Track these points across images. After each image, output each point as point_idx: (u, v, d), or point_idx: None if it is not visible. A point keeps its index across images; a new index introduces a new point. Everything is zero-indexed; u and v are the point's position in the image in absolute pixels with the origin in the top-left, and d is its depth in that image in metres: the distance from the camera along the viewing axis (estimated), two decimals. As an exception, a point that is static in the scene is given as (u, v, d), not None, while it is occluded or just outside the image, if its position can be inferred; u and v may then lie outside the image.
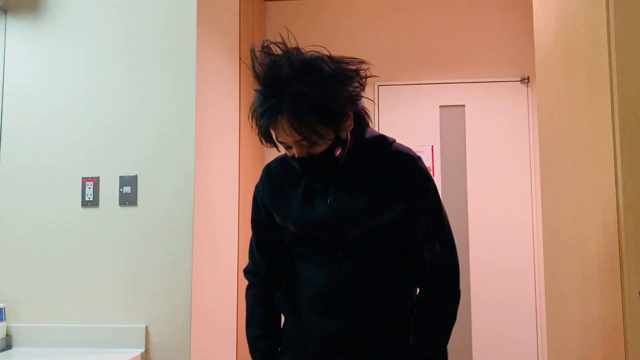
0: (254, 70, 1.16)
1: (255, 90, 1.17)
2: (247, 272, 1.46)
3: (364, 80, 1.19)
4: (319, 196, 1.28)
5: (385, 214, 1.25)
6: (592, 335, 1.50)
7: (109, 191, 2.08)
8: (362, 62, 1.18)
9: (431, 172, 3.27)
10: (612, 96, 1.29)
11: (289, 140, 1.17)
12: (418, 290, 1.35)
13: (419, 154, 1.34)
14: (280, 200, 1.34)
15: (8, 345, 2.02)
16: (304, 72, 1.12)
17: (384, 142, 1.32)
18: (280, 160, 1.40)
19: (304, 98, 1.11)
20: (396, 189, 1.27)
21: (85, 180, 2.08)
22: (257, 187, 1.42)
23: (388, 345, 1.28)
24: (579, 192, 1.56)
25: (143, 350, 2.01)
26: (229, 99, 2.60)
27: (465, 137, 3.32)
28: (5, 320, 2.03)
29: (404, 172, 1.28)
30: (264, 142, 1.22)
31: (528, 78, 3.28)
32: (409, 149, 1.34)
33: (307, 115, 1.12)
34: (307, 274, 1.31)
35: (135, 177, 2.06)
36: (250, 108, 1.19)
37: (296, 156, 1.21)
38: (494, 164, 3.28)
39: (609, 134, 1.31)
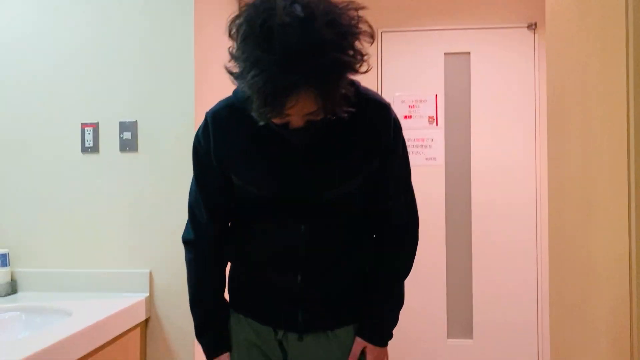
0: (259, 38, 0.96)
1: (262, 60, 0.96)
2: (189, 243, 1.32)
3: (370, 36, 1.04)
4: (290, 158, 1.17)
5: (361, 174, 1.20)
6: (594, 278, 1.52)
7: (109, 137, 2.05)
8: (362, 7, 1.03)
9: (435, 122, 3.24)
10: (627, 42, 1.25)
11: (301, 112, 1.02)
12: (377, 241, 1.31)
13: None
14: (241, 159, 1.20)
15: (14, 289, 2.04)
16: (328, 36, 0.96)
17: (355, 89, 1.17)
18: (229, 108, 1.22)
19: (335, 66, 0.97)
20: (372, 145, 1.19)
21: (84, 125, 2.05)
22: (202, 137, 1.23)
23: (347, 299, 1.27)
24: (586, 142, 1.54)
25: (147, 294, 2.03)
26: (230, 43, 2.53)
27: (470, 85, 3.27)
28: (9, 265, 2.05)
29: (379, 125, 1.19)
30: (266, 118, 1.02)
31: (535, 24, 3.19)
32: (378, 94, 1.24)
33: (335, 84, 1.00)
34: (266, 233, 1.24)
35: (135, 122, 2.03)
36: (253, 84, 0.97)
37: (292, 126, 1.08)
38: (498, 113, 3.23)
39: (622, 82, 1.27)
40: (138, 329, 1.98)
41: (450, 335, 3.23)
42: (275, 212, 1.21)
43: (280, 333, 1.25)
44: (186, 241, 1.33)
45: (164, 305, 2.05)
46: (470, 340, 3.21)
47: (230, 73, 1.04)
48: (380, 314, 1.28)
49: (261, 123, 1.04)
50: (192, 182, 1.31)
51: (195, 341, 2.03)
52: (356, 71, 1.01)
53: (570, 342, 1.72)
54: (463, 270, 3.23)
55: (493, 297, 3.19)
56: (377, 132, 1.19)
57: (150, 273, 2.05)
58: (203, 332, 1.31)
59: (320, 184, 1.18)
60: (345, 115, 1.07)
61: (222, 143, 1.21)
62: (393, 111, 1.22)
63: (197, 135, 1.25)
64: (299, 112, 1.01)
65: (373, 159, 1.20)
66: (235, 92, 1.21)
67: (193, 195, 1.29)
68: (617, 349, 1.38)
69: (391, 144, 1.21)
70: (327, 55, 0.95)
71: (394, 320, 1.29)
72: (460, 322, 3.24)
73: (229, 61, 1.04)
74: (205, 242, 1.29)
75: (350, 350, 1.25)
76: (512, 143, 3.21)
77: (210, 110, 1.25)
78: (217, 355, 1.28)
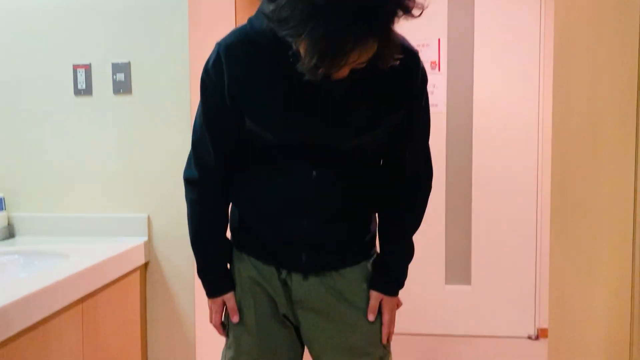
0: None
1: (324, 10, 0.87)
2: (192, 182, 1.24)
3: None
4: (316, 105, 1.10)
5: (385, 123, 1.16)
6: (597, 222, 1.50)
7: (102, 79, 1.99)
8: None
9: (437, 67, 3.16)
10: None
11: (354, 63, 0.94)
12: (391, 192, 1.28)
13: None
14: (258, 102, 1.12)
15: (11, 234, 2.03)
16: None
17: None
18: (245, 41, 1.12)
19: (396, 12, 0.92)
20: (400, 93, 1.15)
21: (76, 67, 1.98)
22: (213, 70, 1.13)
23: (353, 244, 1.25)
24: (593, 90, 1.49)
25: (146, 238, 2.02)
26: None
27: (474, 29, 3.17)
28: (5, 209, 2.03)
29: (408, 73, 1.14)
30: (318, 74, 0.93)
31: (544, -36, 3.07)
32: (407, 40, 1.14)
33: (393, 32, 0.94)
34: (275, 178, 1.19)
35: (128, 63, 1.96)
36: (313, 37, 0.88)
37: (335, 77, 0.99)
38: (502, 59, 3.15)
39: (635, 28, 1.20)
40: (137, 273, 1.98)
41: (448, 281, 3.26)
42: (287, 158, 1.16)
43: (284, 273, 1.23)
44: (189, 180, 1.25)
45: (163, 249, 2.04)
46: (468, 286, 3.24)
47: (270, 19, 0.93)
48: (395, 266, 1.28)
49: (307, 78, 0.94)
50: (197, 118, 1.22)
51: (196, 285, 2.04)
52: (412, 15, 0.94)
53: (569, 295, 1.72)
54: (462, 216, 3.23)
55: (492, 244, 3.20)
56: (405, 80, 1.14)
57: (149, 217, 2.03)
58: (206, 271, 1.28)
59: (343, 133, 1.13)
60: (397, 62, 0.99)
61: (237, 81, 1.11)
62: (421, 59, 1.17)
63: (206, 68, 1.15)
64: (352, 63, 0.94)
65: (399, 108, 1.16)
66: (251, 21, 1.11)
67: (198, 133, 1.21)
68: (619, 303, 1.37)
69: (418, 93, 1.18)
70: (391, 1, 0.89)
71: (406, 270, 1.30)
72: (458, 268, 3.26)
73: (268, 3, 0.93)
74: (210, 183, 1.22)
75: (357, 288, 1.24)
76: (516, 90, 3.14)
77: (222, 41, 1.13)
78: (222, 294, 1.26)
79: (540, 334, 3.17)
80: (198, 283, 2.06)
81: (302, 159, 1.15)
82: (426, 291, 3.22)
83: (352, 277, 1.25)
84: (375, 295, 1.25)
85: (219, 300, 1.27)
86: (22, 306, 1.31)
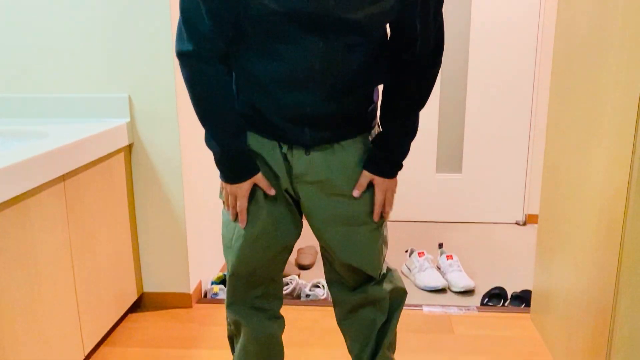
0: None
1: None
2: (187, 55, 1.09)
3: None
4: None
5: None
6: (598, 101, 1.44)
7: (69, -57, 1.81)
8: None
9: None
10: None
11: None
12: (399, 68, 1.19)
13: None
14: None
15: (-13, 115, 1.94)
16: None
17: None
18: None
19: None
20: None
21: None
22: None
23: (355, 117, 1.19)
24: None
25: (128, 119, 1.95)
26: None
27: None
28: (-22, 89, 1.93)
29: None
30: None
31: None
32: None
33: None
34: (277, 51, 1.09)
35: None
36: None
37: None
38: None
39: None
40: (122, 155, 1.92)
41: (439, 169, 3.25)
42: (293, 28, 1.06)
43: (285, 147, 1.18)
44: (183, 54, 1.10)
45: (147, 131, 1.98)
46: (459, 175, 3.24)
47: None
48: (392, 144, 1.22)
49: None
50: None
51: (183, 167, 2.00)
52: None
53: (562, 177, 1.69)
54: (456, 104, 3.16)
55: (484, 132, 3.16)
56: None
57: (130, 97, 1.94)
58: (231, 154, 1.15)
59: (353, 1, 1.03)
60: None
61: None
62: None
63: None
64: None
65: None
66: None
67: (199, 4, 1.05)
68: (615, 180, 1.34)
69: None
70: None
71: (406, 150, 1.24)
72: (450, 156, 3.24)
73: None
74: (208, 55, 1.09)
75: (356, 158, 1.21)
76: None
77: None
78: (252, 175, 1.17)
79: (528, 220, 3.23)
80: (186, 165, 2.03)
81: (309, 29, 1.05)
82: (417, 179, 3.22)
83: (353, 149, 1.20)
84: (365, 174, 1.21)
85: (247, 183, 1.17)
86: (2, 178, 1.27)
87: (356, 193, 1.21)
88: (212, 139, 1.15)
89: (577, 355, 1.58)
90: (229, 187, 1.19)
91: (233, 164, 1.17)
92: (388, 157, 1.22)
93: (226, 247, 1.28)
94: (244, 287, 1.31)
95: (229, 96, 1.14)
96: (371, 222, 1.25)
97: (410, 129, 1.24)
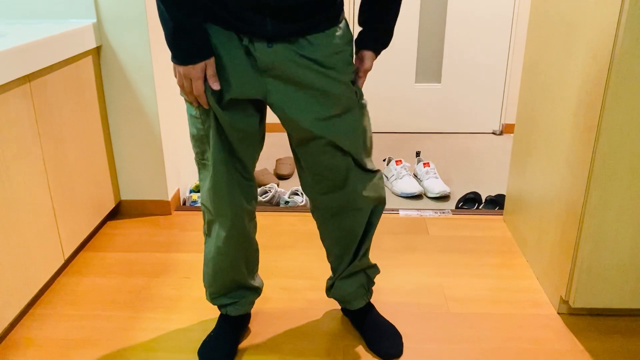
0: None
1: None
2: None
3: None
4: None
5: None
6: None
7: None
8: None
9: None
10: None
11: None
12: None
13: None
14: None
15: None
16: None
17: None
18: None
19: None
20: None
21: None
22: None
23: (322, 11, 1.12)
24: None
25: (95, 20, 1.85)
26: None
27: None
28: None
29: None
30: None
31: None
32: None
33: None
34: None
35: None
36: None
37: None
38: None
39: None
40: (89, 58, 1.84)
41: (418, 79, 3.21)
42: None
43: (246, 40, 1.11)
44: None
45: (115, 32, 1.88)
46: (438, 84, 3.21)
47: None
48: (385, 25, 1.24)
49: None
50: None
51: (155, 71, 1.93)
52: None
53: (538, 92, 1.67)
54: (437, 13, 3.06)
55: (465, 42, 3.09)
56: None
57: (94, -4, 1.83)
58: (184, 31, 1.08)
59: None
60: None
61: None
62: None
63: None
64: None
65: None
66: None
67: None
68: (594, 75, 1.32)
69: None
70: None
71: (393, 30, 1.27)
72: (429, 66, 3.19)
73: None
74: None
75: (329, 57, 1.15)
76: None
77: None
78: (204, 58, 1.09)
79: (505, 130, 3.25)
80: (157, 69, 1.95)
81: None
82: (396, 90, 3.18)
83: (323, 44, 1.14)
84: (369, 55, 1.24)
85: (199, 66, 1.10)
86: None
87: (362, 81, 1.26)
88: (167, 12, 1.06)
89: (546, 250, 1.64)
90: (181, 69, 1.11)
91: (186, 41, 1.08)
92: (382, 37, 1.25)
93: (195, 140, 1.23)
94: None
95: None
96: (356, 105, 1.23)
97: (397, 11, 1.25)
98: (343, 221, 1.35)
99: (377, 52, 1.26)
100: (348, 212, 1.33)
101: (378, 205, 1.36)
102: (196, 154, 1.26)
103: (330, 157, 1.23)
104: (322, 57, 1.14)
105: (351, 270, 1.42)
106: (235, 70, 1.13)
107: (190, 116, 1.21)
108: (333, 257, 1.43)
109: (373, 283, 1.48)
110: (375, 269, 1.47)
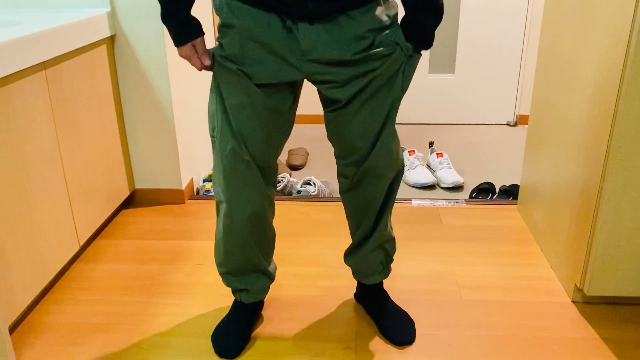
0: None
1: None
2: None
3: None
4: None
5: None
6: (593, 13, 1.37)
7: None
8: None
9: None
10: None
11: None
12: None
13: None
14: None
15: (-41, 6, 1.84)
16: None
17: None
18: None
19: None
20: None
21: None
22: None
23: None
24: None
25: (109, 9, 1.86)
26: None
27: None
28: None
29: None
30: None
31: None
32: None
33: None
34: None
35: None
36: None
37: None
38: None
39: None
40: (104, 47, 1.85)
41: (432, 70, 3.19)
42: None
43: (289, 22, 1.11)
44: None
45: (129, 22, 1.89)
46: (452, 75, 3.19)
47: None
48: (429, 26, 1.21)
49: None
50: None
51: (168, 60, 1.94)
52: None
53: (553, 82, 1.65)
54: (451, 3, 3.04)
55: (479, 33, 3.07)
56: None
57: (108, -15, 1.85)
58: (169, 17, 1.15)
59: None
60: None
61: None
62: None
63: None
64: None
65: None
66: None
67: None
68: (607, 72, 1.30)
69: None
70: None
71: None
72: (443, 57, 3.17)
73: None
74: None
75: (366, 27, 1.14)
76: None
77: None
78: (190, 40, 1.16)
79: (519, 121, 3.22)
80: (171, 58, 1.96)
81: None
82: (409, 81, 3.18)
83: (364, 20, 1.13)
84: (416, 56, 1.23)
85: (187, 46, 1.16)
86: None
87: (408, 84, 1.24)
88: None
89: (561, 238, 1.63)
90: (177, 50, 1.21)
91: (172, 25, 1.16)
92: (426, 37, 1.21)
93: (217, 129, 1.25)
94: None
95: None
96: (395, 101, 1.24)
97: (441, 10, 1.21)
98: (365, 187, 1.34)
99: (417, 51, 1.24)
100: (371, 179, 1.33)
101: (399, 172, 1.36)
102: (212, 135, 1.28)
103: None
104: (362, 32, 1.13)
105: (372, 246, 1.40)
106: (276, 54, 1.14)
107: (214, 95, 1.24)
108: (354, 225, 1.42)
109: (392, 260, 1.47)
110: (394, 243, 1.46)
